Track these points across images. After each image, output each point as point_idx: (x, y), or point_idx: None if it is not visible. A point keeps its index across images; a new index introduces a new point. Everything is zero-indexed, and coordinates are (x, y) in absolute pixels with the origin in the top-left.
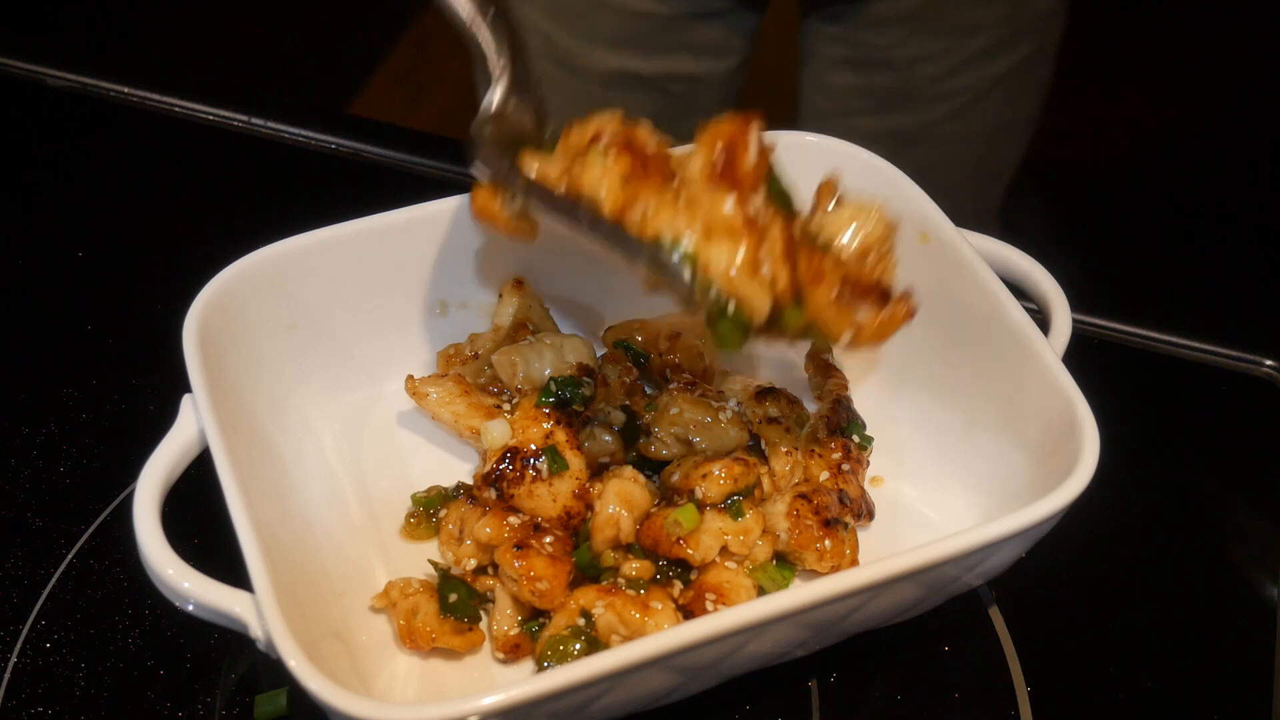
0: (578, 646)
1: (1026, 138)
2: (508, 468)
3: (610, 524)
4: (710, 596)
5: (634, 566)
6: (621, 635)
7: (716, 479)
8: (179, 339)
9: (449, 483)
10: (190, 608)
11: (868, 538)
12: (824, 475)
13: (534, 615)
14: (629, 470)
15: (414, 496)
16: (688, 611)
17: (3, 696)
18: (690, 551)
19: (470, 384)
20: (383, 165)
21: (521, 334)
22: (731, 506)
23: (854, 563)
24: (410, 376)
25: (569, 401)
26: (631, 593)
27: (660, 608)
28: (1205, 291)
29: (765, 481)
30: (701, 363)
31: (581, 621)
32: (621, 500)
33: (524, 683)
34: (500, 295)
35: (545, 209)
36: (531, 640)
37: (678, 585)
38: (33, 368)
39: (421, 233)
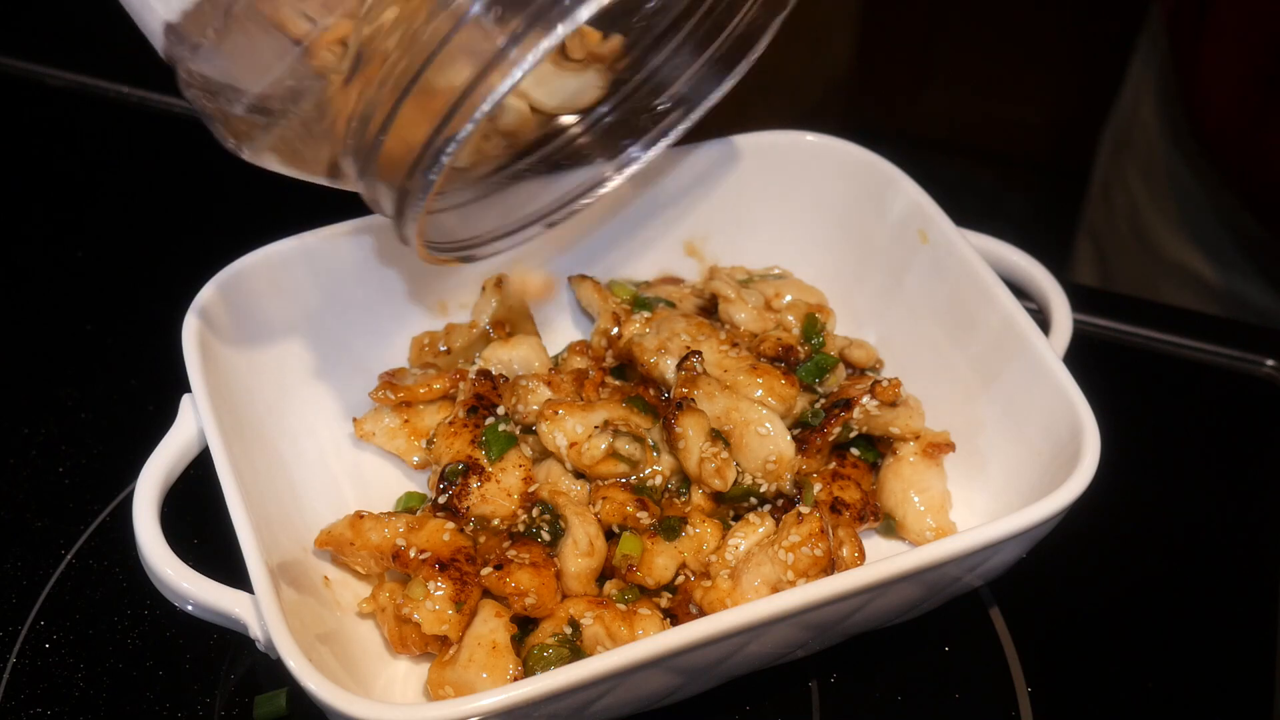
0: (552, 652)
1: None
2: (450, 485)
3: (568, 589)
4: (694, 608)
5: (618, 583)
6: (607, 648)
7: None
8: (179, 339)
9: None
10: (190, 608)
11: (869, 538)
12: (818, 488)
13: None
14: (584, 537)
15: (399, 500)
16: (673, 616)
17: (2, 696)
18: (645, 577)
19: (416, 396)
20: None
21: (499, 332)
22: (664, 529)
23: (857, 562)
24: (355, 420)
25: (453, 484)
26: (622, 606)
27: (648, 614)
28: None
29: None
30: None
31: (568, 630)
32: (577, 581)
33: (524, 683)
34: (483, 290)
35: None
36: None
37: (665, 595)
38: (33, 368)
39: None
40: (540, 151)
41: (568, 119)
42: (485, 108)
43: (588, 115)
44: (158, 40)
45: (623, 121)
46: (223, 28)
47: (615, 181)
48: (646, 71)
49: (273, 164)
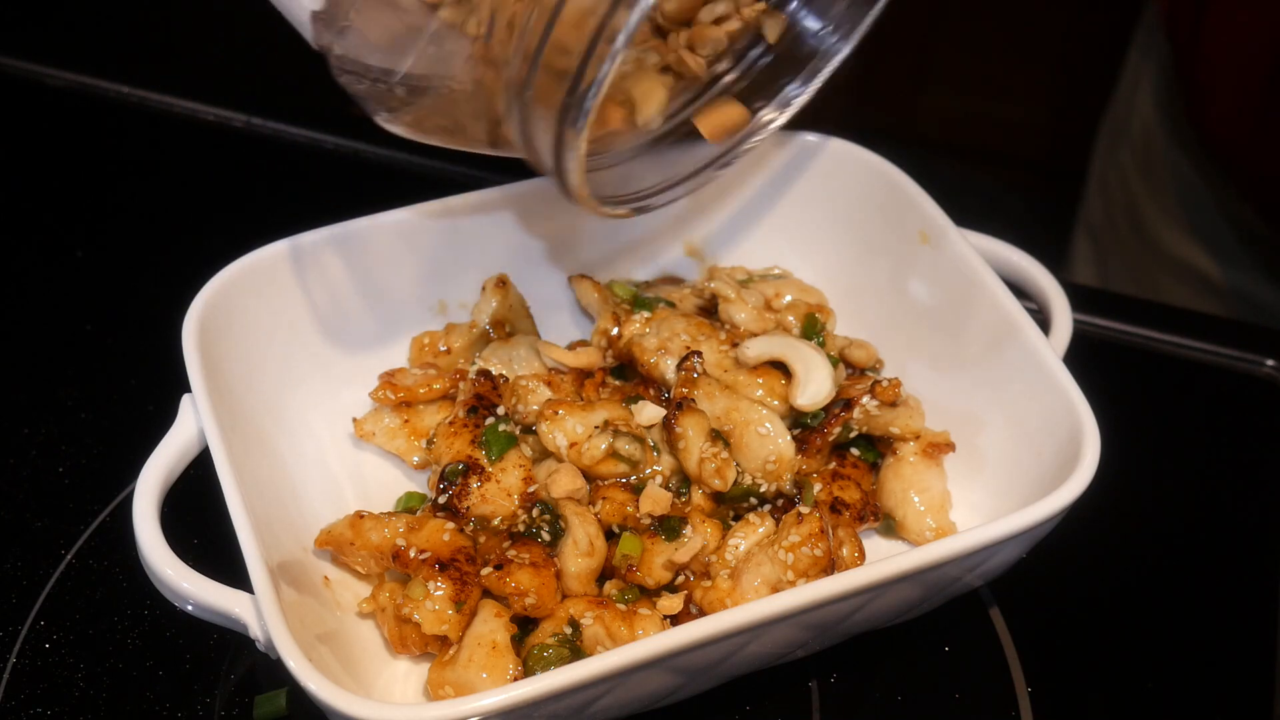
0: (552, 652)
1: None
2: (450, 485)
3: (568, 589)
4: (694, 609)
5: (617, 583)
6: (607, 648)
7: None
8: (179, 339)
9: None
10: (190, 608)
11: (869, 538)
12: (818, 488)
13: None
14: (584, 538)
15: (399, 500)
16: (673, 616)
17: (2, 696)
18: (645, 578)
19: (417, 397)
20: (383, 165)
21: (499, 332)
22: (665, 528)
23: (857, 562)
24: (355, 420)
25: (453, 484)
26: (622, 606)
27: (648, 613)
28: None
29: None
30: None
31: (568, 630)
32: (577, 581)
33: (524, 683)
34: (483, 290)
35: None
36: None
37: (665, 594)
38: (33, 368)
39: (421, 232)
40: (701, 100)
41: (723, 66)
42: (623, 36)
43: (742, 60)
44: (308, 32)
45: (778, 63)
46: (361, 7)
47: (780, 120)
48: (796, 7)
49: (419, 135)
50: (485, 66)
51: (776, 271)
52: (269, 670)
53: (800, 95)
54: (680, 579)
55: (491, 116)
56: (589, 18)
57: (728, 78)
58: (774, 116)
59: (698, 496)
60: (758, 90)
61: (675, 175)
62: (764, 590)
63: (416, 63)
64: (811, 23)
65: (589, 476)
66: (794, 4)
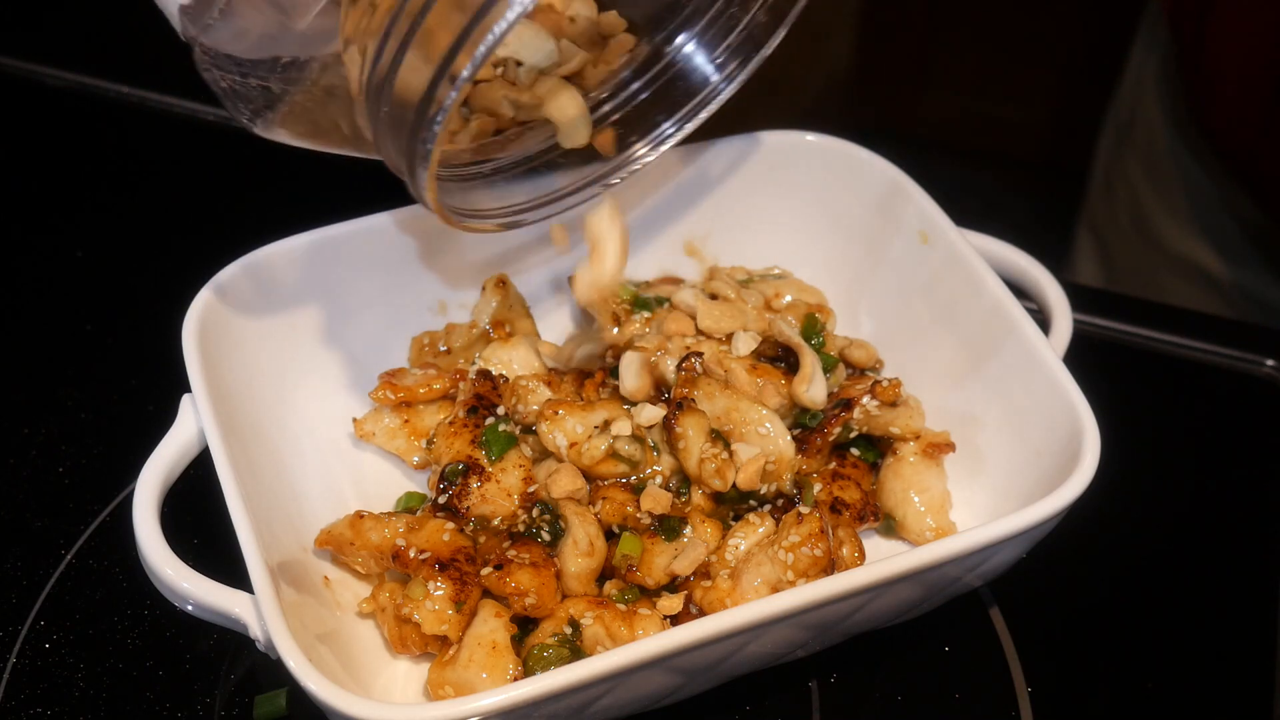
0: (552, 652)
1: None
2: (450, 485)
3: (568, 589)
4: (694, 609)
5: (617, 583)
6: (607, 648)
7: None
8: (179, 339)
9: None
10: (190, 608)
11: (869, 538)
12: (818, 488)
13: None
14: (584, 538)
15: (399, 500)
16: (673, 616)
17: (2, 696)
18: (645, 578)
19: (417, 396)
20: (382, 165)
21: (499, 332)
22: (665, 528)
23: (857, 562)
24: (355, 420)
25: (453, 484)
26: (622, 606)
27: (648, 613)
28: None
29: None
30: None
31: (568, 630)
32: (577, 581)
33: (524, 683)
34: (483, 290)
35: None
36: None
37: (665, 595)
38: (33, 368)
39: (421, 233)
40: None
41: (600, 95)
42: (482, 49)
43: (621, 93)
44: (176, 22)
45: (656, 98)
46: (227, 7)
47: (650, 158)
48: (681, 44)
49: (287, 137)
50: (348, 67)
51: (776, 271)
52: (269, 670)
53: (673, 137)
54: (680, 579)
55: (348, 114)
56: (459, 18)
57: (605, 107)
58: (644, 153)
59: (698, 496)
60: (633, 122)
61: (548, 194)
62: (764, 590)
63: (283, 62)
64: (698, 60)
65: (589, 476)
66: (678, 41)
